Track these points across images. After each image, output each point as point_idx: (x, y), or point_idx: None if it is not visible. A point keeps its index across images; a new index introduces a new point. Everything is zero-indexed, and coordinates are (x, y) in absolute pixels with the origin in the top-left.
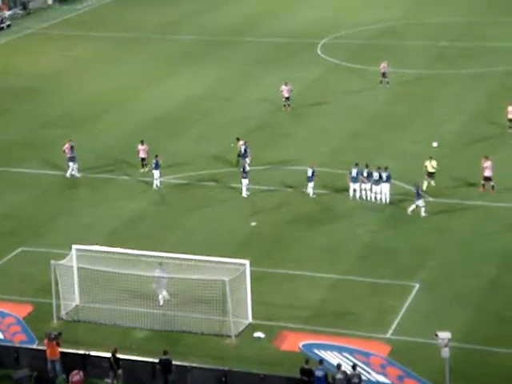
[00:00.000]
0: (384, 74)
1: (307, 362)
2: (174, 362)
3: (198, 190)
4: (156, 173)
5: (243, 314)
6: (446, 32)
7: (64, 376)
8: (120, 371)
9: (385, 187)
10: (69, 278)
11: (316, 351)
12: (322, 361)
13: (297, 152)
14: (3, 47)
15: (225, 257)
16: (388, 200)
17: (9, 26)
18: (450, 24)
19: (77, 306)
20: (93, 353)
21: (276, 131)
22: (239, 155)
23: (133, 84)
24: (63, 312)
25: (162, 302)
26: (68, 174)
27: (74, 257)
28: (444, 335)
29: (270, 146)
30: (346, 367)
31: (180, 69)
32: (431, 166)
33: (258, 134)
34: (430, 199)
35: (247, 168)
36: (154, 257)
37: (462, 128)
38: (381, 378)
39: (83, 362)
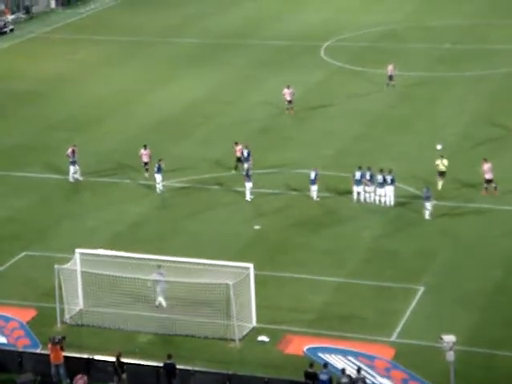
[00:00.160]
0: (391, 77)
1: (311, 365)
2: (178, 366)
3: (202, 194)
4: (158, 177)
5: (247, 317)
6: (448, 35)
7: (68, 380)
8: (124, 375)
9: (389, 190)
10: (72, 282)
11: (320, 355)
12: (326, 364)
13: (300, 155)
14: (6, 51)
15: (229, 260)
16: (392, 203)
17: (12, 30)
18: (452, 27)
19: (80, 310)
20: (97, 357)
21: (279, 134)
22: (238, 160)
23: (136, 87)
24: (67, 316)
25: (157, 303)
26: (71, 178)
27: (78, 261)
28: (449, 338)
29: (273, 149)
30: (351, 370)
31: (183, 72)
32: (442, 164)
33: (262, 137)
34: (434, 202)
35: (250, 172)
36: (158, 260)
37: (464, 130)
38: (385, 382)
39: (87, 366)
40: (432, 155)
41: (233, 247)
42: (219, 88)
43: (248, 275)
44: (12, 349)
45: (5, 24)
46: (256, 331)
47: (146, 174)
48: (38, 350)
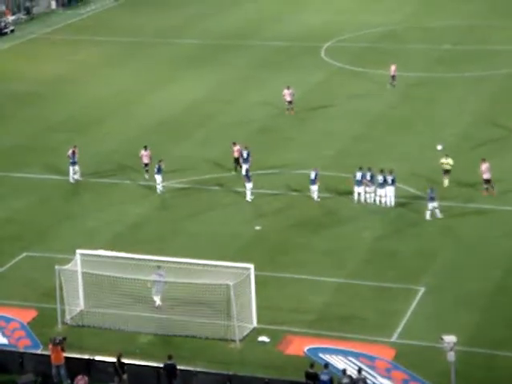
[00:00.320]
0: (393, 77)
1: (312, 365)
2: (178, 367)
3: (202, 195)
4: (158, 177)
5: (248, 318)
6: (447, 35)
7: (69, 381)
8: (125, 376)
9: (390, 190)
10: (73, 283)
11: (321, 355)
12: (327, 365)
13: (300, 156)
14: (7, 52)
15: (229, 261)
16: (393, 203)
17: (12, 31)
18: (451, 27)
19: (81, 310)
20: (97, 358)
21: (279, 135)
22: (236, 160)
23: (137, 88)
24: (68, 317)
25: (157, 304)
26: (71, 179)
27: (79, 261)
28: (449, 339)
29: (273, 149)
30: (351, 371)
31: (183, 73)
32: (447, 163)
33: (262, 137)
34: (435, 203)
35: (250, 172)
36: (159, 261)
37: (465, 131)
38: (386, 382)
39: (88, 366)
40: (432, 155)
41: (233, 248)
42: (219, 89)
43: (248, 276)
44: (13, 349)
45: (5, 25)
46: (256, 332)
47: (147, 176)
48: (39, 351)
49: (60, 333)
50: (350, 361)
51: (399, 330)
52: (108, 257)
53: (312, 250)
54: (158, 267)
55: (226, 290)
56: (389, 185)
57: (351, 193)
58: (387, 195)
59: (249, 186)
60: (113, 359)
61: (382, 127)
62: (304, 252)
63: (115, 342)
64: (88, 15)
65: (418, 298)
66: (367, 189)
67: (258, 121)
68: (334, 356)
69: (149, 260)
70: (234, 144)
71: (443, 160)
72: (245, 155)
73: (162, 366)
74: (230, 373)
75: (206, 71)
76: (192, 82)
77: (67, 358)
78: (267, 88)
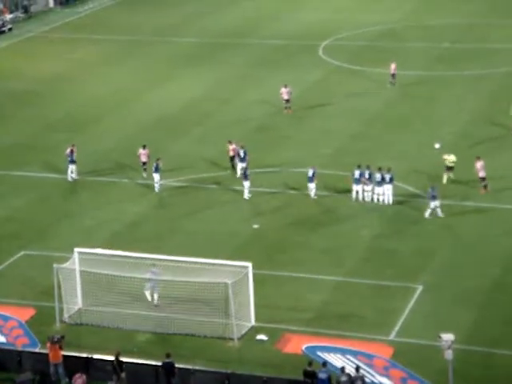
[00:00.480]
0: (393, 75)
1: (310, 364)
2: (176, 365)
3: (200, 193)
4: (156, 176)
5: (246, 316)
6: (447, 34)
7: (67, 379)
8: (123, 374)
9: (387, 188)
10: (71, 282)
11: (319, 353)
12: (325, 363)
13: (298, 154)
14: (5, 51)
15: (227, 259)
16: (391, 201)
17: (10, 29)
18: (450, 26)
19: (79, 309)
20: (95, 356)
21: (277, 133)
22: (231, 159)
23: (135, 86)
24: (66, 315)
25: (155, 302)
26: (69, 178)
27: (77, 260)
28: (447, 337)
29: (271, 148)
30: (350, 369)
31: (181, 71)
32: (449, 160)
33: (260, 136)
34: (436, 202)
35: (248, 171)
36: (156, 259)
37: (463, 129)
38: (384, 380)
39: (86, 365)
40: (431, 154)
41: (231, 246)
42: (217, 87)
43: (246, 274)
44: (11, 348)
45: (3, 23)
46: (255, 330)
47: (145, 174)
48: (37, 349)
49: (58, 331)
50: (348, 359)
51: (397, 328)
52: (106, 255)
53: (310, 249)
54: (153, 265)
55: (224, 288)
56: (387, 183)
57: (349, 191)
58: (385, 193)
59: (246, 184)
60: (111, 357)
61: (380, 125)
62: (302, 250)
63: (113, 340)
64: (86, 13)
65: (416, 296)
66: (365, 187)
67: (256, 119)
68: (332, 354)
69: (147, 258)
70: (230, 143)
71: (446, 156)
72: (242, 154)
73: (160, 364)
74: (228, 371)
75: (203, 69)
76: (190, 80)
77: (65, 357)
78: (265, 86)
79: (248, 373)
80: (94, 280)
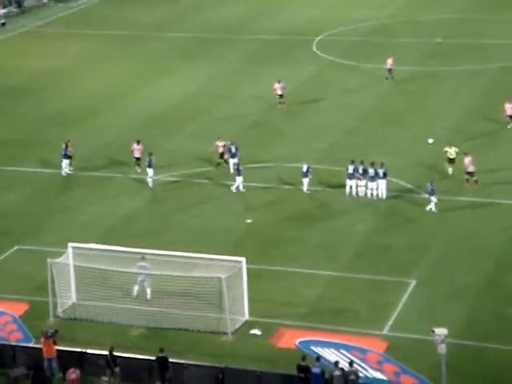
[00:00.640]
0: (390, 71)
1: (304, 358)
2: (170, 360)
3: (193, 188)
4: (150, 171)
5: (240, 311)
6: (438, 29)
7: (61, 374)
8: (117, 369)
9: (381, 183)
10: (65, 276)
11: (313, 348)
12: (318, 358)
13: (292, 149)
14: None
15: (221, 254)
16: (384, 196)
17: (3, 24)
18: (442, 21)
19: (73, 303)
20: (89, 351)
21: (271, 129)
22: (221, 156)
23: (128, 82)
24: (60, 310)
25: (149, 297)
26: (63, 173)
27: (71, 255)
28: (440, 331)
29: (265, 143)
30: (343, 364)
31: (175, 67)
32: (450, 152)
33: (253, 131)
34: (426, 196)
35: (240, 166)
36: (150, 254)
37: (457, 124)
38: (377, 375)
39: (80, 359)
40: (424, 149)
41: (225, 241)
42: (211, 82)
43: (240, 269)
44: (5, 343)
45: None
46: (248, 325)
47: (139, 170)
48: (31, 344)
49: (52, 326)
50: (341, 353)
51: (391, 322)
52: (100, 250)
53: (304, 244)
54: (143, 258)
55: (218, 283)
56: (380, 178)
57: (343, 186)
58: (379, 188)
59: (239, 179)
60: (105, 352)
61: (374, 121)
62: (296, 245)
63: (107, 334)
64: (79, 8)
65: (409, 290)
66: (359, 182)
67: (250, 115)
68: (325, 349)
69: (141, 253)
70: (219, 139)
71: (447, 149)
72: (233, 150)
73: (154, 358)
74: (222, 366)
75: (197, 65)
76: (184, 76)
77: (59, 351)
78: (259, 82)
79: (242, 367)
80: (88, 275)
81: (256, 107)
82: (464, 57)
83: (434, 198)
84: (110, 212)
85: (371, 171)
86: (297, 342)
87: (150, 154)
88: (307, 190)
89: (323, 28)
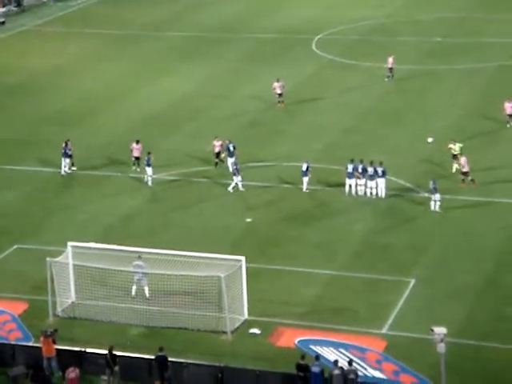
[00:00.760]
0: (391, 69)
1: (303, 357)
2: (170, 359)
3: (193, 187)
4: (149, 170)
5: (239, 310)
6: (437, 28)
7: (60, 373)
8: (117, 368)
9: (380, 182)
10: (64, 275)
11: (312, 347)
12: (318, 356)
13: (291, 148)
14: None
15: (220, 253)
16: (384, 195)
17: (3, 23)
18: (441, 20)
19: (73, 302)
20: (89, 350)
21: (270, 128)
22: (217, 155)
23: (127, 81)
24: (59, 309)
25: (147, 296)
26: (62, 172)
27: (70, 254)
28: (440, 330)
29: (264, 142)
30: (342, 363)
31: (174, 66)
32: (455, 148)
33: (252, 131)
34: (425, 195)
35: (238, 165)
36: (150, 253)
37: (456, 123)
38: (377, 374)
39: (79, 358)
40: (424, 148)
41: (224, 240)
42: (210, 82)
43: (240, 268)
44: (4, 342)
45: None
46: (248, 324)
47: (138, 169)
48: (30, 343)
49: (51, 325)
50: (340, 352)
51: (390, 321)
52: (99, 249)
53: (303, 243)
54: (139, 257)
55: (218, 281)
56: (379, 176)
57: (342, 185)
58: (378, 187)
59: (237, 179)
60: (104, 351)
61: (373, 120)
62: (295, 244)
63: (106, 334)
64: (79, 7)
65: (408, 290)
66: (358, 181)
67: (249, 114)
68: (325, 348)
69: (140, 252)
70: (216, 139)
71: (451, 145)
72: (231, 148)
73: (153, 357)
74: (221, 365)
75: (196, 65)
76: (182, 75)
77: (58, 350)
78: (258, 81)
79: (241, 366)
80: (87, 274)
81: (255, 106)
82: (463, 56)
83: (437, 197)
84: (110, 211)
85: (370, 170)
86: (296, 341)
87: (149, 153)
88: (306, 189)
89: (322, 27)
